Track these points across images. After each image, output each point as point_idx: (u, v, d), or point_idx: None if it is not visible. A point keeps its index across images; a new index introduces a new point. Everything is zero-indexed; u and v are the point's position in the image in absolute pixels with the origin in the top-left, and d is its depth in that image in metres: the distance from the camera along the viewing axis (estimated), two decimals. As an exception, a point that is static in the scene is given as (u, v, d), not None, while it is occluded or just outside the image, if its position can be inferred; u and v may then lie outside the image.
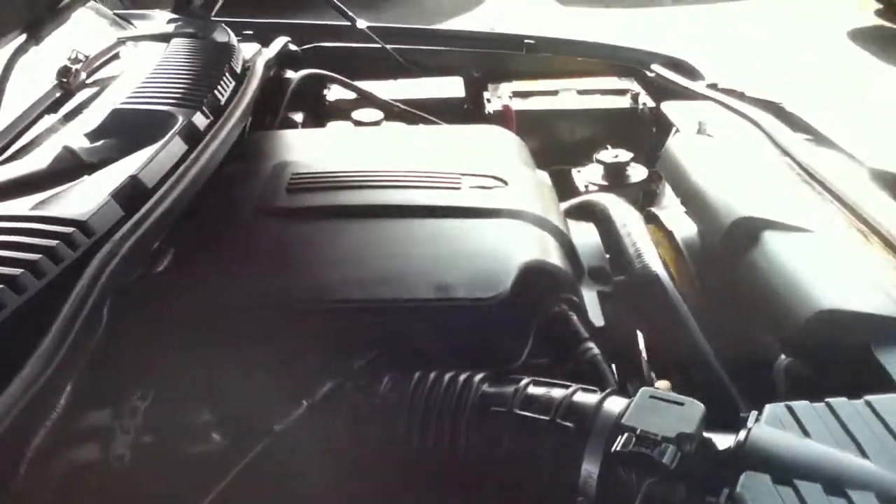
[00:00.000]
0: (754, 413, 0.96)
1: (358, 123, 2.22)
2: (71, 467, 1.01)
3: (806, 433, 0.95)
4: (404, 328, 1.18)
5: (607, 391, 1.02)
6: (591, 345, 1.27)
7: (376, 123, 2.21)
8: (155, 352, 1.12)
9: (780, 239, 1.38)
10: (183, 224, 1.29)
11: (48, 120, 1.52)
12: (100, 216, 1.11)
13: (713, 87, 2.21)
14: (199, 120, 1.48)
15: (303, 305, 1.19)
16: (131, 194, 1.20)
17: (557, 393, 1.04)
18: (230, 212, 1.44)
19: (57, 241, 1.02)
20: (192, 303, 1.18)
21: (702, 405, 0.96)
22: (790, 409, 0.98)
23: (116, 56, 1.95)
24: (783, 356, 1.24)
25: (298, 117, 2.24)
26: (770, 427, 0.94)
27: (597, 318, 1.38)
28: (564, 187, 2.14)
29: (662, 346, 1.43)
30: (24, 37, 0.88)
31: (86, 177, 1.30)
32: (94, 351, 1.05)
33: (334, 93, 2.41)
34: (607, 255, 1.58)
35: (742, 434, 0.93)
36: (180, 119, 1.44)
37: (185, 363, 1.12)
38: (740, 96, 2.11)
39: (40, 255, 0.99)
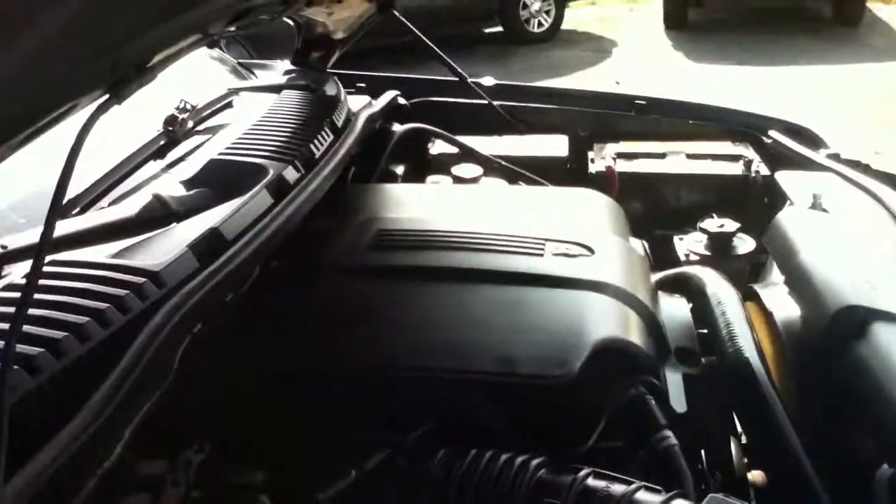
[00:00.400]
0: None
1: (457, 179, 2.21)
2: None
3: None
4: (464, 401, 1.13)
5: (671, 494, 0.94)
6: (667, 433, 1.18)
7: (475, 180, 2.19)
8: (217, 407, 1.12)
9: (891, 333, 1.25)
10: (262, 278, 1.30)
11: (151, 167, 1.58)
12: (174, 267, 1.13)
13: (835, 157, 2.07)
14: (290, 173, 1.51)
15: (363, 371, 1.16)
16: (209, 246, 1.22)
17: (618, 489, 0.96)
18: (309, 267, 1.44)
19: (126, 292, 1.04)
20: (257, 361, 1.18)
21: (776, 522, 0.86)
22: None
23: (229, 105, 2.03)
24: (886, 466, 1.12)
25: (400, 170, 2.26)
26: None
27: (679, 403, 1.29)
28: (665, 255, 2.05)
29: (751, 442, 1.32)
30: (106, 97, 0.90)
31: (174, 225, 1.33)
32: (157, 401, 1.07)
33: (438, 147, 2.42)
34: (701, 331, 1.49)
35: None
36: (270, 172, 1.47)
37: (245, 422, 1.11)
38: (865, 169, 1.97)
39: (108, 305, 1.01)
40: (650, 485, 0.97)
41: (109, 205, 1.46)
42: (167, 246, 1.19)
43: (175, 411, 1.12)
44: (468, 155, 2.32)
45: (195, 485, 1.03)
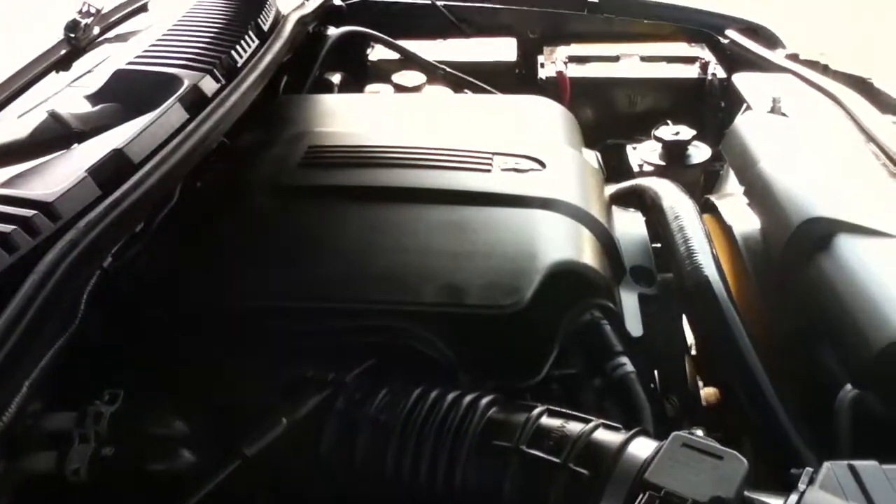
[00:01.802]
0: (808, 471, 0.79)
1: (398, 87, 2.06)
2: (24, 478, 0.91)
3: (871, 501, 0.78)
4: (407, 335, 1.03)
5: (633, 432, 0.86)
6: (623, 360, 1.11)
7: (417, 88, 2.05)
8: (129, 351, 1.01)
9: (856, 245, 1.18)
10: (183, 201, 1.17)
11: (50, 81, 1.41)
12: (70, 196, 0.99)
13: (793, 57, 1.98)
14: (208, 84, 1.35)
15: (293, 305, 1.05)
16: (113, 170, 1.08)
17: (574, 427, 0.88)
18: (229, 189, 1.31)
19: (13, 227, 0.90)
20: (176, 297, 1.07)
21: (744, 461, 0.79)
22: (853, 469, 0.80)
23: (143, 9, 1.83)
24: (849, 387, 1.06)
25: (336, 78, 2.10)
26: (826, 494, 0.77)
27: (635, 326, 1.22)
28: (619, 165, 1.96)
29: (711, 363, 1.26)
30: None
31: (74, 147, 1.18)
32: (62, 348, 0.95)
33: (377, 53, 2.26)
34: (656, 246, 1.41)
35: (792, 499, 0.76)
36: (185, 83, 1.31)
37: (161, 366, 1.00)
38: (823, 69, 1.88)
39: (-12, 244, 0.87)
40: (609, 423, 0.89)
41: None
42: (64, 172, 1.05)
43: (85, 357, 1.01)
44: (410, 61, 2.18)
45: (107, 440, 0.92)
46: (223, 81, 1.40)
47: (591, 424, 0.88)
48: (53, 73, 1.48)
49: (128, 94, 1.32)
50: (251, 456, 0.89)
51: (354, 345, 1.02)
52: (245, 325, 1.04)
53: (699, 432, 0.86)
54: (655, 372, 1.35)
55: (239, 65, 1.48)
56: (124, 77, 1.35)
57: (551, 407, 0.92)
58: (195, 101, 1.30)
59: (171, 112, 1.23)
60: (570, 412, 0.92)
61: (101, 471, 0.90)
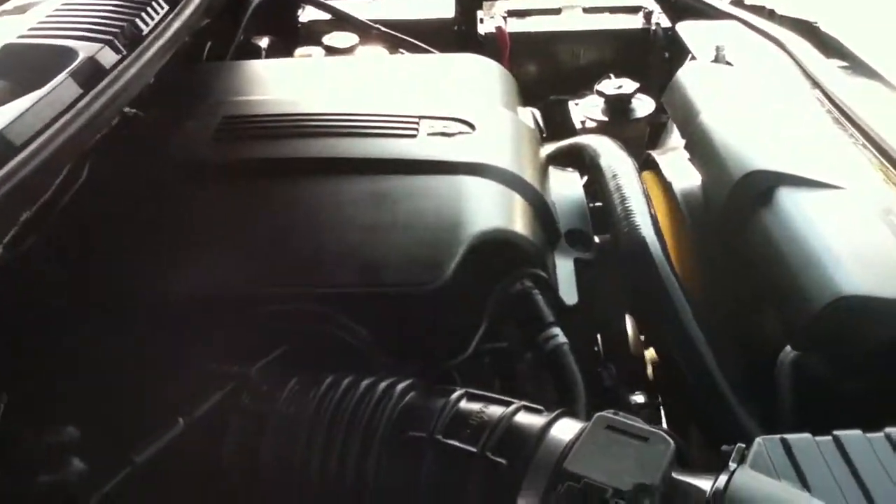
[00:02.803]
0: (739, 448, 0.74)
1: (329, 50, 1.96)
2: None
3: (803, 478, 0.73)
4: (320, 319, 0.96)
5: (554, 415, 0.80)
6: (555, 331, 1.05)
7: (349, 50, 1.96)
8: (8, 351, 0.93)
9: (798, 198, 1.13)
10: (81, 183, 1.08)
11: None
12: (-63, 188, 0.90)
13: (738, 3, 1.90)
14: (106, 55, 1.25)
15: (193, 293, 0.97)
16: (-8, 156, 0.98)
17: (494, 412, 0.82)
18: (137, 168, 1.22)
19: None
20: (67, 289, 0.98)
21: (671, 442, 0.74)
22: (785, 444, 0.75)
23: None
24: (790, 348, 1.01)
25: (264, 42, 1.99)
26: (756, 473, 0.72)
27: (570, 293, 1.15)
28: (563, 122, 1.89)
29: (649, 329, 1.20)
30: None
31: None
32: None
33: (308, 13, 2.15)
34: (595, 205, 1.34)
35: (721, 480, 0.71)
36: (80, 56, 1.21)
37: (51, 364, 0.92)
38: (769, 14, 1.81)
39: None
40: (530, 404, 0.83)
41: None
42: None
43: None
44: (342, 21, 2.07)
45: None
46: (124, 52, 1.29)
47: (511, 408, 0.82)
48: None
49: (18, 70, 1.21)
50: (141, 462, 0.81)
51: (261, 336, 0.95)
52: (147, 317, 0.96)
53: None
54: (598, 336, 1.30)
55: (144, 32, 1.37)
56: (14, 52, 1.25)
57: (470, 390, 0.86)
58: (92, 75, 1.20)
59: (61, 88, 1.13)
60: (489, 395, 0.85)
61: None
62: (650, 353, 1.31)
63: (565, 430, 0.78)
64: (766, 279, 1.10)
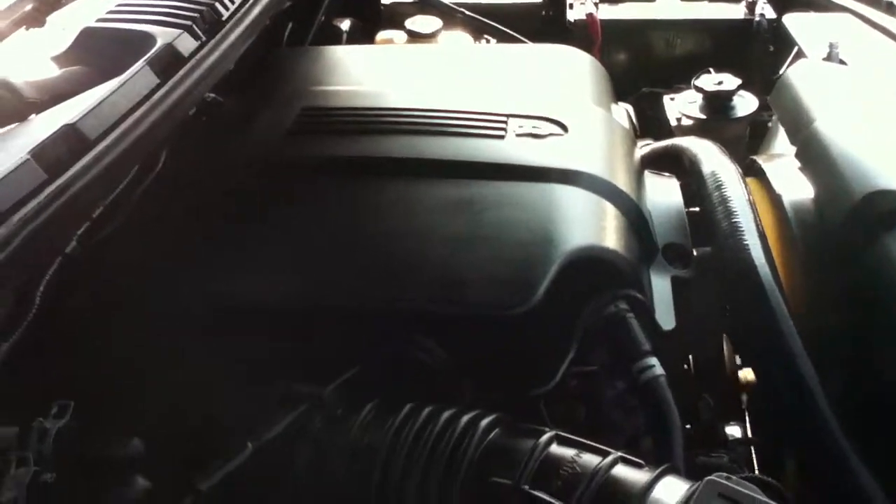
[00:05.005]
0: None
1: (411, 34, 1.89)
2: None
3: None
4: (398, 340, 0.90)
5: (658, 472, 0.72)
6: (652, 362, 0.96)
7: (432, 36, 1.88)
8: (82, 358, 0.89)
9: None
10: (140, 182, 1.04)
11: (9, 42, 1.27)
12: (9, 184, 0.86)
13: (854, -7, 1.76)
14: (185, 42, 1.19)
15: (265, 306, 0.92)
16: (65, 150, 0.94)
17: (589, 461, 0.74)
18: (212, 161, 1.17)
19: (-68, 225, 0.78)
20: (137, 294, 0.94)
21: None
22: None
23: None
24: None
25: (346, 25, 1.93)
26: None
27: (667, 316, 1.06)
28: (654, 116, 1.78)
29: (752, 364, 1.10)
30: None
31: (31, 119, 1.05)
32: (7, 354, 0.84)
33: (391, -5, 2.08)
34: (692, 210, 1.24)
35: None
36: (158, 42, 1.16)
37: (117, 375, 0.88)
38: (887, 7, 1.66)
39: None
40: (629, 457, 0.75)
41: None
42: (7, 154, 0.91)
43: (35, 362, 0.90)
44: (426, 4, 1.99)
45: (50, 463, 0.80)
46: (204, 38, 1.24)
47: (608, 459, 0.74)
48: (23, 29, 1.33)
49: (96, 55, 1.17)
50: (206, 490, 0.76)
51: (336, 355, 0.88)
52: (214, 329, 0.90)
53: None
54: (690, 357, 1.21)
55: (224, 17, 1.32)
56: (92, 36, 1.20)
57: (561, 433, 0.78)
58: (169, 63, 1.14)
59: (138, 77, 1.08)
60: (582, 441, 0.77)
61: (41, 500, 0.79)
62: (744, 376, 1.22)
63: (670, 492, 0.70)
64: (887, 314, 0.99)
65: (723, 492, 0.67)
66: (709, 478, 0.68)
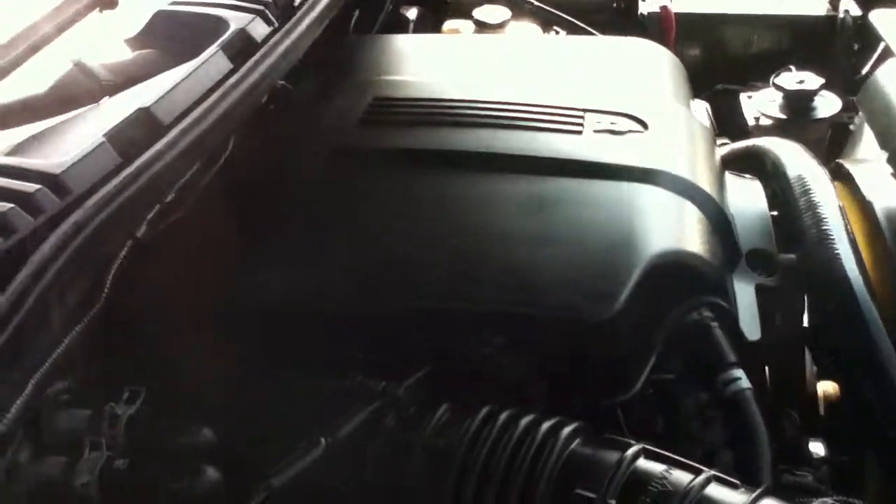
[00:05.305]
0: None
1: (479, 24, 1.85)
2: (34, 486, 0.79)
3: None
4: (472, 342, 0.86)
5: (756, 493, 0.68)
6: (737, 374, 0.91)
7: (500, 27, 1.83)
8: (155, 344, 0.87)
9: None
10: (209, 170, 1.02)
11: (80, 26, 1.26)
12: (84, 167, 0.84)
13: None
14: (258, 28, 1.17)
15: (336, 304, 0.89)
16: (139, 134, 0.92)
17: (679, 479, 0.70)
18: (281, 149, 1.15)
19: (10, 206, 0.76)
20: (207, 288, 0.92)
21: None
22: None
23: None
24: None
25: (413, 13, 1.90)
26: None
27: (752, 326, 1.01)
28: (729, 116, 1.71)
29: (843, 382, 1.05)
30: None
31: (104, 101, 1.04)
32: (77, 339, 0.82)
33: (459, -16, 2.04)
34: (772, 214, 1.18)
35: None
36: (231, 27, 1.14)
37: (190, 364, 0.86)
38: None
39: (-19, 226, 0.74)
40: (723, 476, 0.71)
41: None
42: (81, 136, 0.90)
43: (108, 347, 0.89)
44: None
45: (120, 450, 0.79)
46: (276, 24, 1.22)
47: (701, 478, 0.69)
48: (97, 11, 1.33)
49: (169, 38, 1.16)
50: (278, 487, 0.74)
51: (407, 353, 0.86)
52: (282, 328, 0.88)
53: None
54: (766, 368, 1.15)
55: (297, 3, 1.29)
56: (165, 19, 1.19)
57: (648, 447, 0.74)
58: (242, 48, 1.13)
59: (211, 61, 1.06)
60: (671, 456, 0.73)
61: (113, 485, 0.78)
62: (825, 388, 1.16)
63: (770, 514, 0.66)
64: None
65: (830, 519, 0.62)
66: (817, 502, 0.63)
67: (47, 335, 0.80)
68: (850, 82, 1.62)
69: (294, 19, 1.24)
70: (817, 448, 1.09)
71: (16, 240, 0.76)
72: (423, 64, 1.43)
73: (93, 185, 0.84)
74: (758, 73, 1.75)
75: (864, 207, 1.19)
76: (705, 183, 1.10)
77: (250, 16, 1.19)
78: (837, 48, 1.81)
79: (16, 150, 0.90)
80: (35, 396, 0.77)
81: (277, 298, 0.90)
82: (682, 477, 0.70)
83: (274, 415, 0.82)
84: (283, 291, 0.91)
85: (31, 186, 0.79)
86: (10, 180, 0.80)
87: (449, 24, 1.89)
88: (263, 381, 0.84)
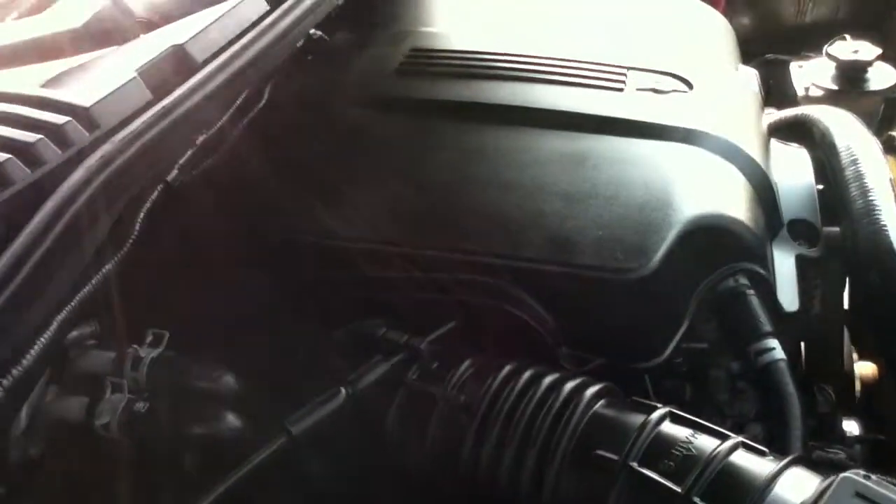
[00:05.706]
0: None
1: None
2: (56, 427, 0.80)
3: None
4: (500, 296, 0.84)
5: (785, 462, 0.65)
6: (772, 344, 0.89)
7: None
8: (180, 286, 0.87)
9: None
10: (243, 113, 1.00)
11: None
12: (114, 101, 0.83)
13: None
14: (298, -33, 1.15)
15: (363, 247, 0.87)
16: (171, 71, 0.91)
17: (705, 445, 0.68)
18: (313, 98, 1.13)
19: (39, 137, 0.76)
20: (234, 226, 0.91)
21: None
22: None
23: None
24: None
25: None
26: None
27: (790, 297, 0.98)
28: (778, 86, 1.66)
29: (880, 354, 1.01)
30: None
31: (140, 39, 1.03)
32: (106, 278, 0.82)
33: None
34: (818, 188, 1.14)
35: None
36: (270, -36, 1.12)
37: (214, 306, 0.86)
38: None
39: (8, 156, 0.73)
40: (751, 443, 0.68)
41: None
42: (115, 71, 0.89)
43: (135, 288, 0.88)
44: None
45: (143, 392, 0.79)
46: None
47: (728, 444, 0.67)
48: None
49: (204, -21, 1.14)
50: (298, 434, 0.74)
51: (432, 302, 0.84)
52: (311, 269, 0.87)
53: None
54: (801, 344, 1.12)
55: None
56: (203, -42, 1.17)
57: (675, 410, 0.72)
58: None
59: (247, 2, 1.05)
60: (698, 421, 0.71)
61: (134, 427, 0.78)
62: (862, 368, 1.12)
63: (797, 486, 0.63)
64: None
65: (861, 491, 0.59)
66: (844, 474, 0.61)
67: (73, 271, 0.79)
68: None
69: (334, -36, 1.21)
70: (851, 427, 1.06)
71: (44, 171, 0.76)
72: (463, 16, 1.40)
73: (123, 120, 0.83)
74: (810, 43, 1.68)
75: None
76: (749, 147, 1.06)
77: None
78: (894, 20, 1.73)
79: (48, 84, 0.89)
80: (59, 335, 0.77)
81: (324, 231, 0.89)
82: (707, 442, 0.68)
83: (297, 363, 0.81)
84: (328, 226, 0.89)
85: (60, 118, 0.79)
86: (40, 111, 0.79)
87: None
88: (289, 330, 0.82)
